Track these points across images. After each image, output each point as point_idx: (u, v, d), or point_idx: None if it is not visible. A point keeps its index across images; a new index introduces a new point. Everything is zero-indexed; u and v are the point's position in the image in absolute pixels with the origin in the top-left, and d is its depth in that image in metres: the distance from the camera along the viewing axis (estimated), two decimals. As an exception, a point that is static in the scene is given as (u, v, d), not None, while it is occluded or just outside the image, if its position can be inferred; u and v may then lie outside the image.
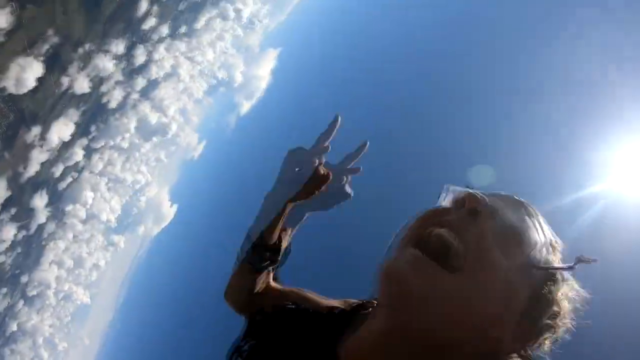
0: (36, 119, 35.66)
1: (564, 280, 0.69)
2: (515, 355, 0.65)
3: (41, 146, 38.70)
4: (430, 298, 0.59)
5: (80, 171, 50.68)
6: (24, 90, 29.98)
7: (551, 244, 0.70)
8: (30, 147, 37.14)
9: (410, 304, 0.60)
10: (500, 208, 0.68)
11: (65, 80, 36.34)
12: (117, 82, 46.92)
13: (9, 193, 36.04)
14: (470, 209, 0.65)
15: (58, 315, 68.37)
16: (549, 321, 0.67)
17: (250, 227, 1.18)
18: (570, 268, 0.66)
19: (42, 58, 29.92)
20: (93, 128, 48.02)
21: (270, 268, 1.21)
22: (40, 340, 62.68)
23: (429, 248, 0.63)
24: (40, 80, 30.57)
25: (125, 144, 60.12)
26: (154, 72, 54.23)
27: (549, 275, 0.67)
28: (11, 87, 28.69)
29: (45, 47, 30.95)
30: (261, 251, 1.17)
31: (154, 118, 65.73)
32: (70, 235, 56.35)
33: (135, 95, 55.51)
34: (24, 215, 42.53)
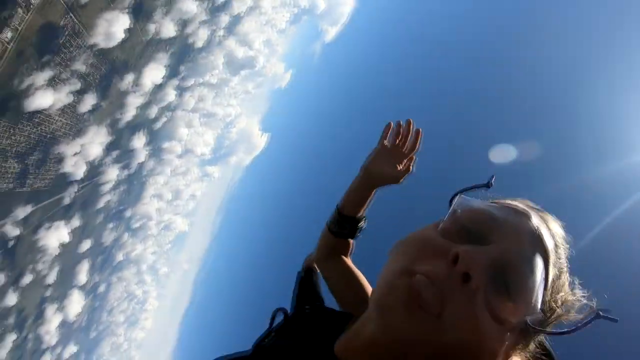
0: (128, 67, 35.82)
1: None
2: None
3: (135, 92, 39.65)
4: (416, 340, 0.60)
5: (173, 110, 52.38)
6: (114, 42, 29.52)
7: (564, 277, 0.66)
8: (125, 93, 38.14)
9: (401, 344, 0.61)
10: (500, 258, 0.61)
11: (151, 27, 35.80)
12: (202, 22, 45.88)
13: (110, 138, 37.86)
14: (462, 272, 0.60)
15: (159, 244, 76.27)
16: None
17: (341, 198, 1.42)
18: (574, 330, 0.61)
19: (126, 10, 28.88)
20: (182, 68, 48.51)
21: (349, 239, 1.42)
22: (144, 267, 71.06)
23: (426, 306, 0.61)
24: (127, 31, 29.73)
25: (214, 80, 60.67)
26: (236, 7, 51.80)
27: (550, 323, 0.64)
28: (101, 42, 28.17)
29: (128, -1, 29.45)
30: (340, 219, 1.40)
31: (240, 52, 64.76)
32: (168, 170, 60.36)
33: (220, 32, 54.32)
34: (126, 156, 45.07)
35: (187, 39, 45.63)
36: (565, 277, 0.67)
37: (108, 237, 48.78)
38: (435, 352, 0.59)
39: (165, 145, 55.71)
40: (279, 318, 1.03)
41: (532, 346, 0.66)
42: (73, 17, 24.95)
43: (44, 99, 24.99)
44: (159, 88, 43.70)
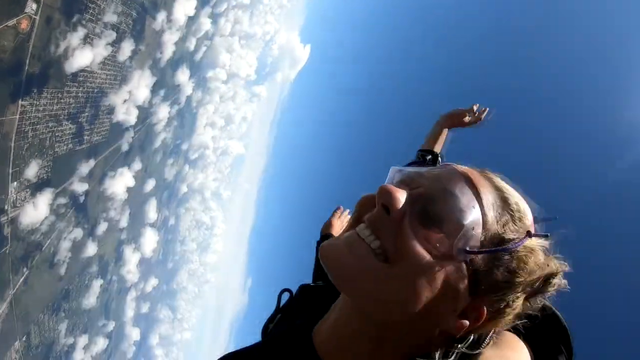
0: (157, 6, 34.40)
1: (529, 251, 0.64)
2: (475, 337, 0.66)
3: (170, 28, 38.66)
4: (362, 278, 0.62)
5: (211, 38, 51.14)
6: (138, -15, 27.87)
7: (509, 215, 0.65)
8: (160, 32, 37.39)
9: (346, 281, 0.63)
10: (423, 193, 0.64)
11: (173, -41, 33.05)
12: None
13: (154, 79, 38.19)
14: (382, 205, 0.63)
15: (219, 170, 79.76)
16: (506, 296, 0.64)
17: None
18: (511, 248, 0.61)
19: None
20: None
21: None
22: (207, 194, 75.44)
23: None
24: (149, -31, 27.84)
25: (246, 0, 57.11)
26: None
27: (500, 253, 0.62)
28: (125, -14, 26.69)
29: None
30: (422, 153, 1.81)
31: (268, -35, 59.53)
32: (216, 98, 60.85)
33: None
34: (172, 92, 45.58)
35: (212, -38, 42.44)
36: (509, 218, 0.65)
37: (170, 173, 51.72)
38: (386, 304, 0.61)
39: (209, 74, 55.47)
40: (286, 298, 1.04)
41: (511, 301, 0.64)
42: (91, -32, 23.64)
43: (83, 58, 25.10)
44: (192, 20, 42.20)
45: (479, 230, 0.61)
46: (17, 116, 20.45)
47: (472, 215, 0.61)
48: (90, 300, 34.41)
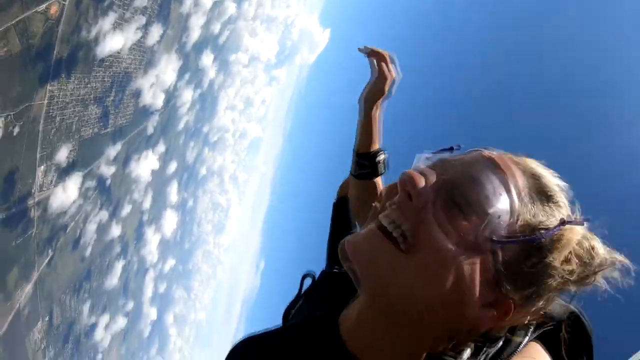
0: (185, -11, 33.94)
1: (566, 241, 0.60)
2: (502, 330, 0.64)
3: (196, 12, 38.48)
4: (383, 272, 0.60)
5: (234, 22, 50.92)
6: (166, -31, 27.63)
7: (542, 201, 0.62)
8: (187, 16, 37.07)
9: (368, 276, 0.62)
10: (447, 180, 0.62)
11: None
12: None
13: (180, 62, 38.19)
14: (404, 192, 0.62)
15: (237, 152, 79.95)
16: (537, 288, 0.60)
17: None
18: (541, 237, 0.58)
19: None
20: None
21: (375, 178, 1.36)
22: (225, 177, 75.94)
23: (384, 228, 0.62)
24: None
25: None
26: None
27: (531, 242, 0.59)
28: (153, -29, 26.48)
29: None
30: (358, 159, 1.35)
31: (288, -51, 58.56)
32: (237, 81, 60.77)
33: None
34: (196, 75, 45.57)
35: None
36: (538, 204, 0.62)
37: (191, 155, 52.10)
38: (408, 296, 0.60)
39: (232, 57, 55.32)
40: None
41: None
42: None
43: (114, 42, 25.16)
44: (217, 4, 41.89)
45: (506, 218, 0.58)
46: (46, 101, 20.58)
47: (499, 203, 0.58)
48: (113, 280, 35.24)
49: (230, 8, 45.36)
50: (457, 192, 0.59)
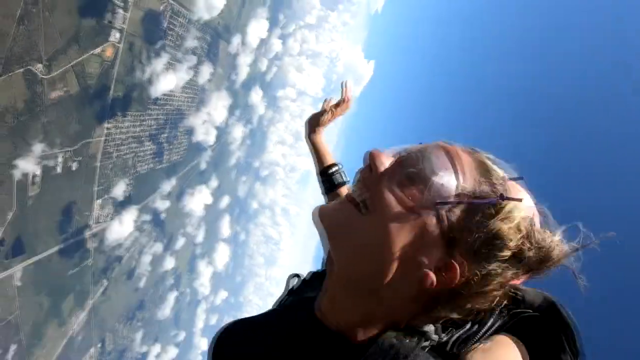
0: (230, 30, 35.79)
1: (505, 216, 0.63)
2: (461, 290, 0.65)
3: (244, 51, 40.17)
4: (345, 232, 0.68)
5: (281, 58, 52.86)
6: (215, 12, 29.36)
7: (485, 179, 0.66)
8: (235, 55, 38.83)
9: (334, 238, 0.69)
10: (404, 158, 0.70)
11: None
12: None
13: (230, 100, 39.66)
14: (368, 165, 0.71)
15: (287, 186, 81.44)
16: (489, 252, 0.63)
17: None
18: (478, 202, 0.63)
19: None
20: (281, 16, 48.12)
21: (340, 189, 1.62)
22: (277, 210, 77.26)
23: (352, 198, 0.70)
24: (225, -4, 29.10)
25: (313, 20, 59.23)
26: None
27: (475, 208, 0.64)
28: (204, 14, 28.25)
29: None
30: (321, 178, 1.66)
31: (331, -14, 60.57)
32: (286, 116, 62.44)
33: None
34: (246, 112, 47.17)
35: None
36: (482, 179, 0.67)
37: (242, 190, 53.33)
38: (367, 254, 0.66)
39: (280, 93, 57.05)
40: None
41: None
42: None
43: (167, 82, 26.58)
44: (263, 42, 43.68)
45: (450, 187, 0.64)
46: (103, 138, 21.90)
47: (444, 173, 0.66)
48: (165, 311, 35.87)
49: (276, 45, 47.06)
50: (409, 165, 0.68)
